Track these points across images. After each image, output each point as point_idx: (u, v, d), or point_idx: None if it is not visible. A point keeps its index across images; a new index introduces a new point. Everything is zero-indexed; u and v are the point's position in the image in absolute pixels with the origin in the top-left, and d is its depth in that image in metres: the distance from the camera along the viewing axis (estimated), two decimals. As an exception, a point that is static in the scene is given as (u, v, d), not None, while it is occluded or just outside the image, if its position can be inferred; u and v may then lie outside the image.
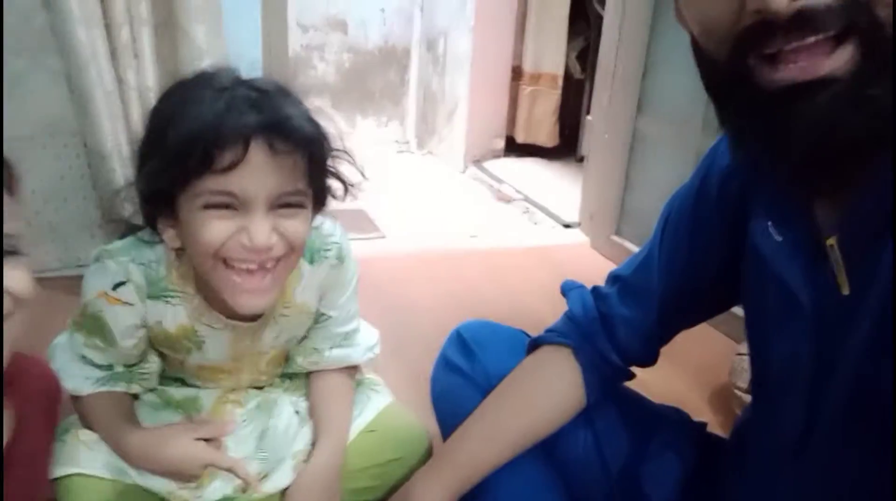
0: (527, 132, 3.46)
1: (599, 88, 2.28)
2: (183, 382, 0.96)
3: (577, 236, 2.45)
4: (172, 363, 0.93)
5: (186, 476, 0.84)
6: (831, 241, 0.53)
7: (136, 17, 1.44)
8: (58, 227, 1.72)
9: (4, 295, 0.51)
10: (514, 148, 3.52)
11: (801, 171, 0.51)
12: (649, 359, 0.81)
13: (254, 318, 0.87)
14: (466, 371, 0.86)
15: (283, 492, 0.91)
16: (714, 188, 0.70)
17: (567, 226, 2.56)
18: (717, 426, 0.86)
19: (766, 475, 0.66)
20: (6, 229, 0.52)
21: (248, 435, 0.94)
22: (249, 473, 0.86)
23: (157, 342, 0.88)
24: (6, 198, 0.51)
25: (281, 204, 0.72)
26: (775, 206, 0.59)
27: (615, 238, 2.23)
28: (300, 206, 0.74)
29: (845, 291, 0.53)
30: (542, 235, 2.54)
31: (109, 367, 0.87)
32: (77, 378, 0.86)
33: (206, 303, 0.84)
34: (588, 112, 2.42)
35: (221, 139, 0.66)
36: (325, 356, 0.97)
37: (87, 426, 0.87)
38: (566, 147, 3.46)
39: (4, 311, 0.52)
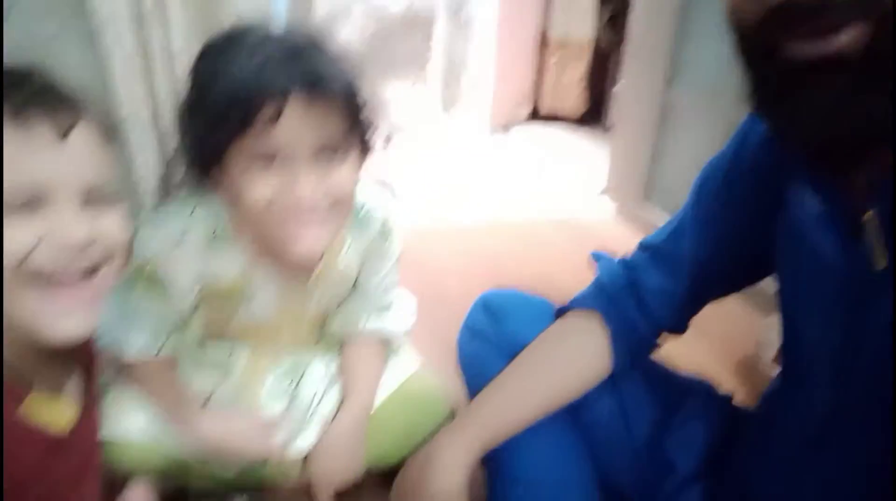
0: (553, 100, 3.42)
1: (629, 57, 2.23)
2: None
3: (603, 206, 2.43)
4: (216, 324, 0.93)
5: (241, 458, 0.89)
6: (869, 215, 0.52)
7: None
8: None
9: (97, 244, 0.51)
10: (541, 115, 3.48)
11: (822, 148, 0.51)
12: (678, 328, 0.80)
13: (303, 268, 0.87)
14: (491, 337, 0.86)
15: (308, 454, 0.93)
16: (750, 156, 0.68)
17: (594, 195, 2.54)
18: (742, 399, 0.85)
19: (789, 456, 0.66)
20: (100, 177, 0.52)
21: (279, 396, 0.96)
22: (285, 457, 0.91)
23: (208, 300, 0.88)
24: (104, 146, 0.52)
25: (325, 155, 0.72)
26: (814, 176, 0.58)
27: (643, 208, 2.21)
28: (344, 155, 0.74)
29: (881, 265, 0.52)
30: (568, 204, 2.52)
31: (167, 325, 0.87)
32: (138, 343, 0.85)
33: (261, 251, 0.84)
34: (617, 80, 2.37)
35: (260, 97, 0.66)
36: (360, 328, 0.98)
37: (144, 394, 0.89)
38: (593, 116, 3.42)
39: (99, 260, 0.51)
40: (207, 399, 0.94)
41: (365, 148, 0.79)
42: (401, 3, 3.69)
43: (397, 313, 1.01)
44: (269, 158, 0.70)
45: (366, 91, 0.76)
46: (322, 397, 0.97)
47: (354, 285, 0.96)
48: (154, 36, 1.43)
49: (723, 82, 1.79)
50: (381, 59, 3.78)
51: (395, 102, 3.87)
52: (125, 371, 0.89)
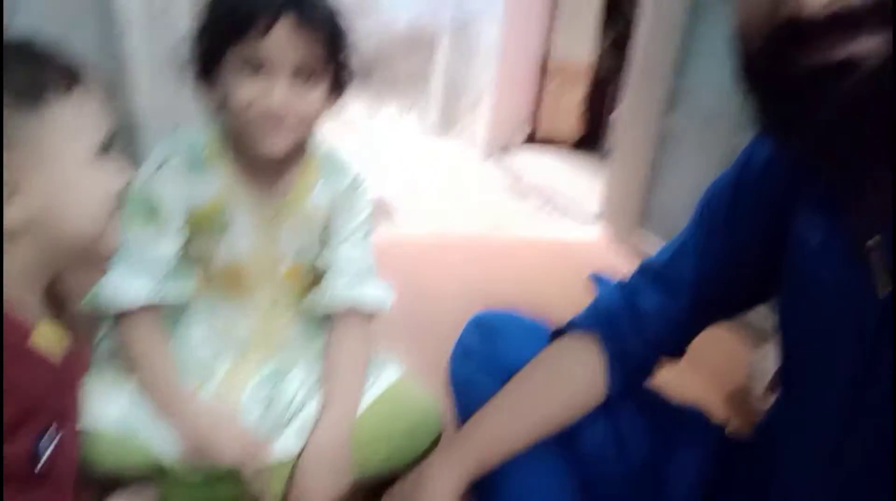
0: (550, 124, 3.44)
1: (629, 82, 2.25)
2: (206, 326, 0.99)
3: (598, 231, 2.44)
4: (201, 263, 0.97)
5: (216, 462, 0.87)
6: (872, 241, 0.52)
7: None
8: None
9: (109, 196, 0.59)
10: (537, 140, 3.50)
11: (833, 155, 0.50)
12: (676, 351, 0.79)
13: (275, 193, 0.95)
14: (484, 359, 0.85)
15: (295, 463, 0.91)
16: (754, 180, 0.68)
17: (588, 221, 2.54)
18: (733, 429, 0.84)
19: (805, 469, 0.64)
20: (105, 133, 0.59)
21: (257, 402, 0.95)
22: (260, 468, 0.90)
23: (193, 226, 0.94)
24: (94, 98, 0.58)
25: (302, 74, 0.83)
26: (821, 200, 0.58)
27: (637, 234, 2.21)
28: (317, 81, 0.86)
29: (886, 291, 0.51)
30: (562, 228, 2.53)
31: (162, 266, 0.91)
32: (131, 290, 0.88)
33: (237, 173, 0.93)
34: (615, 106, 2.39)
35: (256, 12, 0.80)
36: (333, 294, 0.98)
37: (128, 358, 0.90)
38: (590, 141, 3.44)
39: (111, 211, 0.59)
40: None
41: (338, 81, 0.90)
42: (404, 22, 3.72)
43: (375, 288, 1.02)
44: (256, 68, 0.82)
45: (346, 32, 0.89)
46: (303, 403, 0.96)
47: (323, 233, 1.00)
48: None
49: (722, 110, 1.80)
50: (382, 77, 3.80)
51: (393, 120, 3.89)
52: (118, 331, 0.91)
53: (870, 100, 0.44)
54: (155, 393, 0.89)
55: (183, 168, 0.90)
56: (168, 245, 0.92)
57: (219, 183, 0.92)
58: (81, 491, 0.69)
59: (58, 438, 0.61)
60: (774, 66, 0.48)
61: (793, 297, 0.65)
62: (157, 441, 0.87)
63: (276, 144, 0.86)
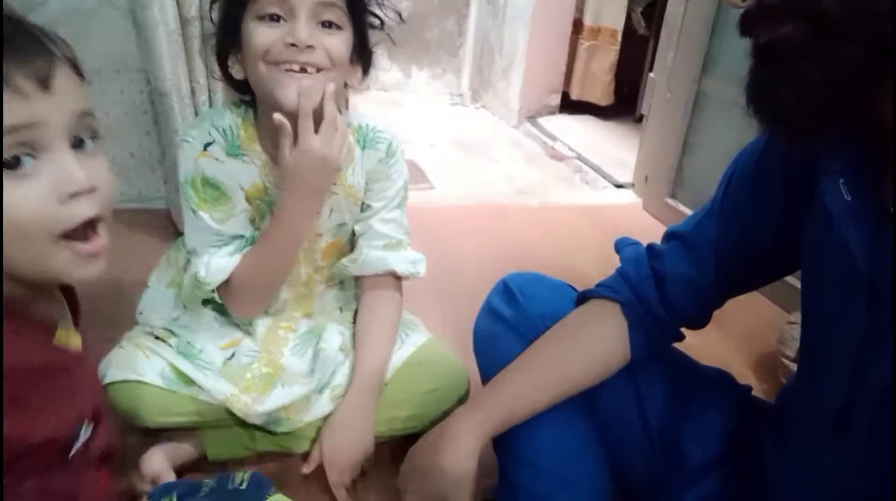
0: (582, 89, 3.38)
1: (664, 45, 2.20)
2: None
3: (630, 198, 2.41)
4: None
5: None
6: (893, 206, 0.52)
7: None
8: (121, 161, 1.79)
9: (98, 192, 0.51)
10: (570, 105, 3.45)
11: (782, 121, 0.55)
12: (701, 320, 0.80)
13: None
14: (510, 319, 0.86)
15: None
16: (782, 145, 0.67)
17: (619, 186, 2.52)
18: (761, 395, 0.85)
19: (807, 447, 0.65)
20: (85, 116, 0.52)
21: (302, 357, 0.99)
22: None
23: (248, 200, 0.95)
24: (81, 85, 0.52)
25: (322, 20, 0.83)
26: (849, 164, 0.58)
27: (669, 201, 2.18)
28: (339, 27, 0.85)
29: None
30: (594, 194, 2.51)
31: (241, 237, 0.93)
32: (222, 269, 0.91)
33: (272, 160, 0.92)
34: (650, 70, 2.34)
35: None
36: (364, 254, 1.01)
37: (244, 290, 0.93)
38: (623, 106, 3.38)
39: (100, 210, 0.52)
40: (230, 358, 0.97)
41: (363, 30, 0.89)
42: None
43: (409, 254, 1.04)
44: (275, 14, 0.81)
45: None
46: (340, 363, 1.00)
47: (362, 208, 1.01)
48: (192, 11, 1.45)
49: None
50: (414, 41, 3.77)
51: (425, 85, 3.86)
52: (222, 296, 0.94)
53: (800, 74, 0.50)
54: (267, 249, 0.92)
55: (223, 155, 0.91)
56: (241, 221, 0.93)
57: (258, 167, 0.93)
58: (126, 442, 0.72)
59: (90, 428, 0.61)
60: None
61: (814, 265, 0.65)
62: (207, 385, 0.92)
63: (303, 90, 0.82)
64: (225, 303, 0.94)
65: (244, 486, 0.78)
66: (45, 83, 0.48)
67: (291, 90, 0.82)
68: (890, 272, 0.53)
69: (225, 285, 0.92)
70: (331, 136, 0.85)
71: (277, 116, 0.83)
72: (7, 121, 0.46)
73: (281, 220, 0.90)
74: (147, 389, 0.90)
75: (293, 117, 0.84)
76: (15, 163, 0.47)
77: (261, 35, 0.82)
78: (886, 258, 0.53)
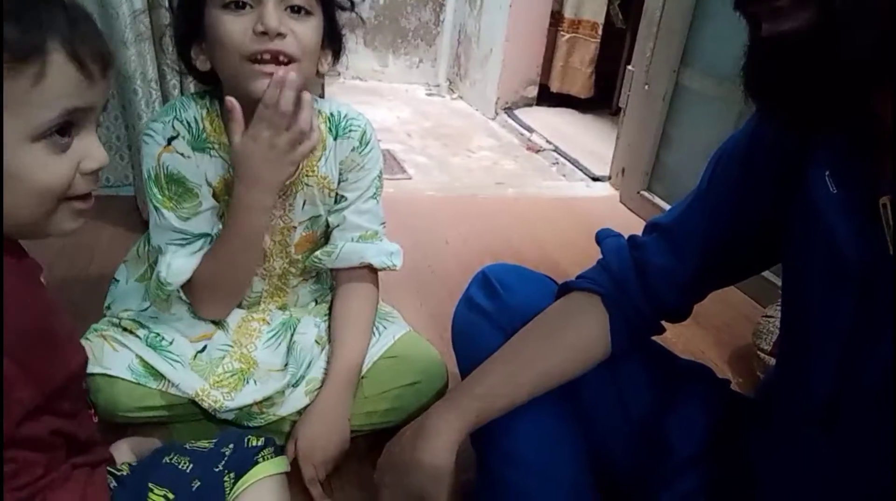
0: (561, 81, 3.38)
1: (642, 38, 2.20)
2: None
3: (606, 190, 2.42)
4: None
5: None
6: (884, 200, 0.52)
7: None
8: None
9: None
10: (547, 97, 3.45)
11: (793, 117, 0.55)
12: (682, 312, 0.79)
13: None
14: (489, 311, 0.85)
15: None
16: (770, 136, 0.67)
17: (596, 179, 2.52)
18: (737, 388, 0.85)
19: (792, 442, 0.65)
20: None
21: (276, 350, 0.96)
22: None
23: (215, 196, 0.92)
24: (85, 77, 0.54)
25: (291, 5, 0.79)
26: (836, 156, 0.57)
27: (645, 194, 2.19)
28: (309, 12, 0.81)
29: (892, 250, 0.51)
30: (571, 187, 2.51)
31: (206, 235, 0.91)
32: (187, 267, 0.89)
33: None
34: (628, 63, 2.34)
35: None
36: (339, 247, 0.98)
37: (206, 291, 0.91)
38: (600, 99, 3.38)
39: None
40: (201, 351, 0.94)
41: (330, 15, 0.86)
42: (413, -26, 3.64)
43: (385, 246, 1.02)
44: (240, 6, 0.78)
45: None
46: (312, 361, 0.98)
47: (336, 199, 0.98)
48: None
49: (734, 69, 1.76)
50: (390, 29, 3.73)
51: (402, 74, 3.83)
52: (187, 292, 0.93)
53: (812, 63, 0.50)
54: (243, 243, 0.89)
55: (188, 149, 0.88)
56: (206, 218, 0.90)
57: (225, 160, 0.90)
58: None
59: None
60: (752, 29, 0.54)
61: (800, 256, 0.65)
62: (176, 379, 0.89)
63: (277, 80, 0.79)
64: (191, 303, 0.92)
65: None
66: (104, 71, 0.54)
67: (265, 83, 0.79)
68: (880, 265, 0.53)
69: (188, 285, 0.90)
70: (294, 130, 0.82)
71: (229, 98, 0.80)
72: (72, 103, 0.52)
73: (233, 214, 0.87)
74: (114, 382, 0.87)
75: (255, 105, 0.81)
76: (60, 136, 0.52)
77: (228, 25, 0.78)
78: (876, 250, 0.53)
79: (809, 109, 0.53)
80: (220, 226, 0.92)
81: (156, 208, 0.88)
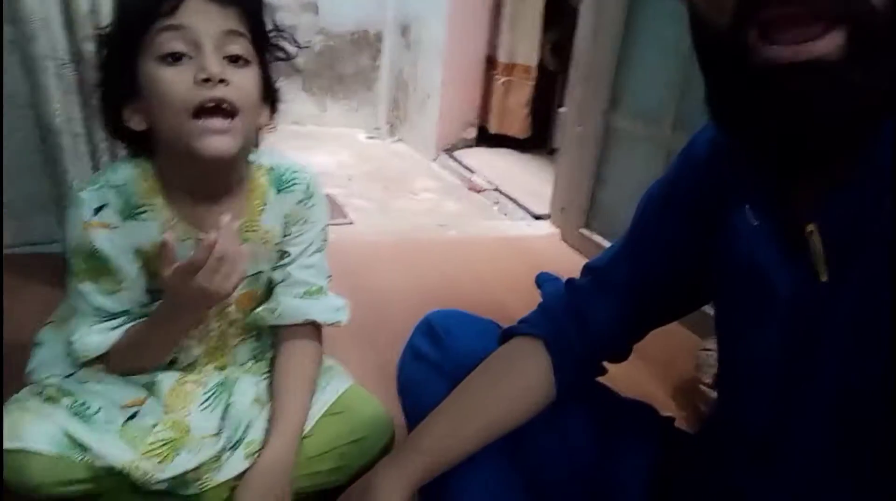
0: (500, 123, 3.45)
1: (573, 81, 2.27)
2: None
3: (548, 229, 2.46)
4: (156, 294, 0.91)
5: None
6: (811, 227, 0.52)
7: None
8: (12, 204, 1.65)
9: None
10: (486, 138, 3.51)
11: (781, 150, 0.52)
12: (621, 354, 0.79)
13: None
14: (434, 360, 0.84)
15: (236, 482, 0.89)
16: (690, 176, 0.69)
17: (537, 218, 2.56)
18: (682, 422, 0.85)
19: (733, 477, 0.65)
20: None
21: (211, 414, 0.92)
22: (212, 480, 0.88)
23: (145, 266, 0.88)
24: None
25: (229, 55, 0.78)
26: (755, 190, 0.58)
27: (585, 231, 2.23)
28: (247, 61, 0.80)
29: (824, 278, 0.52)
30: (513, 226, 2.54)
31: (126, 312, 0.87)
32: (102, 343, 0.86)
33: (175, 213, 0.87)
34: (561, 105, 2.41)
35: None
36: (282, 303, 0.96)
37: (120, 365, 0.89)
38: (538, 139, 3.47)
39: None
40: (132, 416, 0.89)
41: (265, 66, 0.85)
42: (349, 20, 3.69)
43: (330, 301, 1.00)
44: (177, 58, 0.76)
45: (262, 5, 0.84)
46: (254, 419, 0.94)
47: (280, 257, 0.96)
48: (86, 45, 1.37)
49: (662, 109, 1.83)
50: (328, 74, 3.75)
51: (341, 119, 3.84)
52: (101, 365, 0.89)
53: (838, 89, 0.45)
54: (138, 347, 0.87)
55: (117, 218, 0.84)
56: (128, 295, 0.87)
57: (159, 223, 0.86)
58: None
59: None
60: (736, 55, 0.48)
61: (729, 292, 0.66)
62: (103, 451, 0.83)
63: (218, 142, 0.78)
64: (104, 364, 0.89)
65: None
66: None
67: (210, 142, 0.77)
68: (809, 293, 0.54)
69: (103, 355, 0.87)
70: (223, 271, 0.78)
71: (165, 237, 0.77)
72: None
73: (158, 317, 0.85)
74: (33, 458, 0.80)
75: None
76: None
77: (168, 78, 0.76)
78: (804, 279, 0.54)
79: (801, 142, 0.50)
80: (144, 298, 0.89)
81: (76, 277, 0.84)
